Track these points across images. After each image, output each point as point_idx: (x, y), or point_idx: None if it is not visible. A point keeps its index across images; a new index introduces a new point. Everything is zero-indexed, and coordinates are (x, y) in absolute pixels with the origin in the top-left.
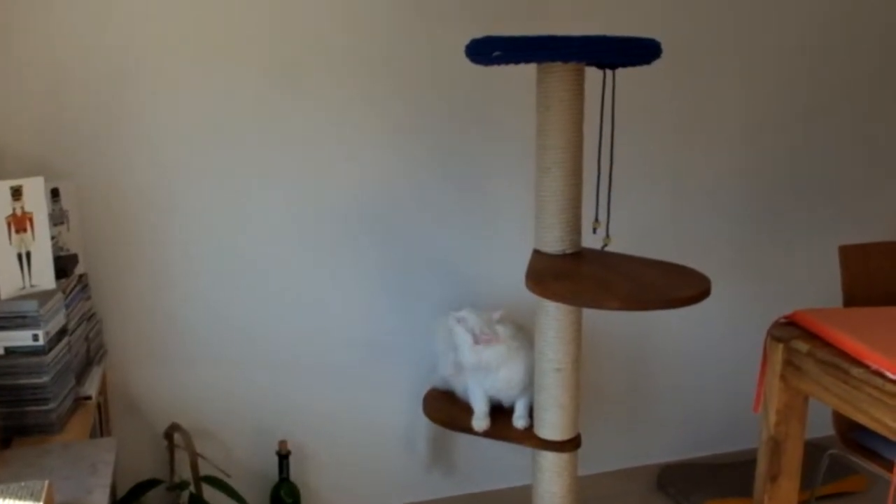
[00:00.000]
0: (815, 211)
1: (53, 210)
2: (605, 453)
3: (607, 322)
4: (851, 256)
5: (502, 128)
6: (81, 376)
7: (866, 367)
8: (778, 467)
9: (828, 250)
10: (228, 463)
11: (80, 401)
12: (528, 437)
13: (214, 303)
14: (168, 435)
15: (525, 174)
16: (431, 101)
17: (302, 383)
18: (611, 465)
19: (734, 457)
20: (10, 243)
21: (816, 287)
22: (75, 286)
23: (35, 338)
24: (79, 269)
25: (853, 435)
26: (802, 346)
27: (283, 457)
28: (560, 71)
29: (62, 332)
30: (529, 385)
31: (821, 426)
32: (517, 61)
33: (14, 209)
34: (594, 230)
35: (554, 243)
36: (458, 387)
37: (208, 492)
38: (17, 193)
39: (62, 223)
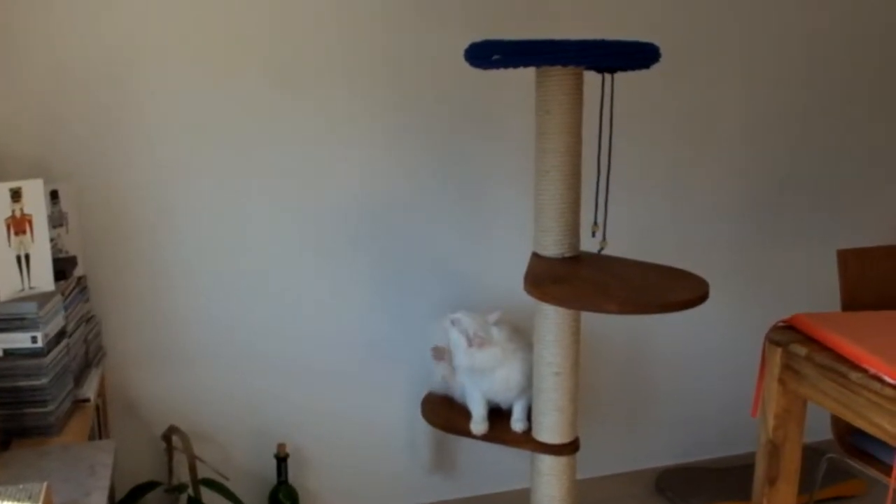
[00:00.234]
0: (813, 214)
1: (52, 212)
2: (603, 457)
3: (606, 325)
4: (850, 260)
5: (501, 131)
6: (80, 378)
7: (865, 371)
8: (776, 471)
9: (826, 254)
10: (227, 466)
11: (79, 403)
12: (527, 440)
13: (213, 305)
14: (166, 437)
15: (524, 177)
16: (431, 103)
17: (301, 386)
18: (609, 468)
19: (733, 460)
20: (10, 245)
21: (815, 291)
22: (74, 288)
23: (34, 340)
24: (78, 272)
25: (851, 439)
26: (801, 349)
27: (282, 460)
28: (559, 75)
29: (61, 334)
30: (528, 388)
31: (819, 430)
32: (516, 65)
33: (13, 211)
34: (593, 234)
35: (552, 246)
36: (455, 390)
37: (206, 494)
38: (16, 195)
39: (61, 225)
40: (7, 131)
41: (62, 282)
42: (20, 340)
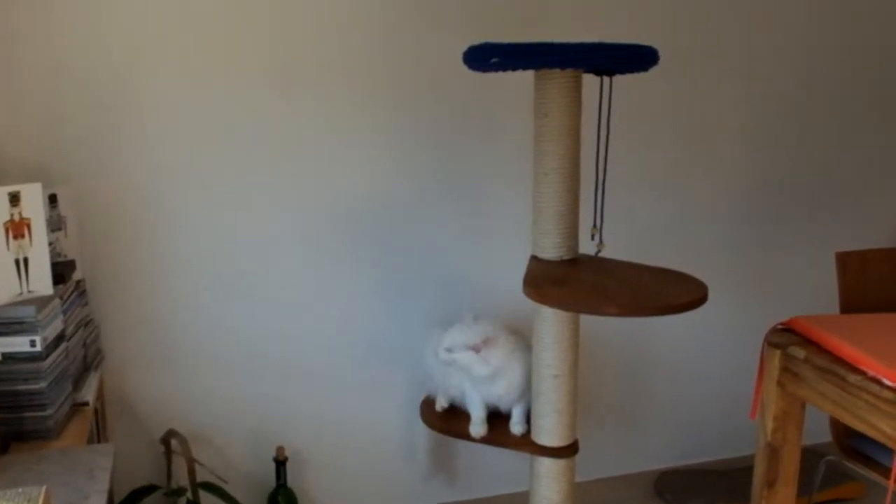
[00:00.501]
0: (812, 217)
1: (51, 216)
2: (602, 459)
3: (605, 328)
4: (849, 263)
5: (500, 133)
6: (79, 382)
7: (863, 373)
8: (775, 474)
9: (825, 256)
10: (225, 469)
11: (78, 406)
12: (526, 443)
13: (212, 309)
14: (165, 441)
15: (523, 180)
16: (430, 105)
17: (299, 389)
18: (608, 471)
19: (731, 463)
20: (8, 249)
21: (813, 293)
22: (73, 292)
23: (32, 343)
24: (76, 275)
25: (850, 441)
26: (800, 352)
27: (281, 463)
28: (557, 77)
29: (60, 338)
30: (526, 390)
31: (818, 433)
32: (515, 68)
33: (12, 215)
34: (592, 236)
35: (551, 249)
36: (455, 393)
37: (205, 498)
38: (14, 199)
39: (60, 229)
40: (6, 135)
41: (61, 285)
42: (19, 344)
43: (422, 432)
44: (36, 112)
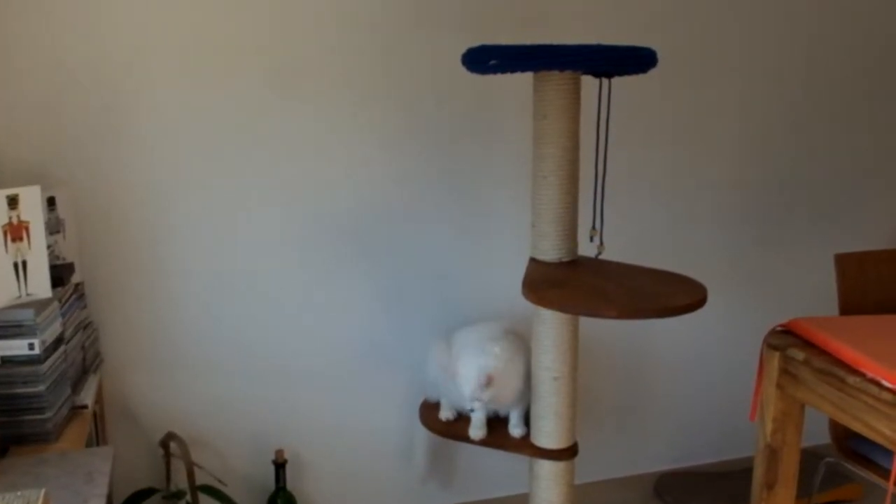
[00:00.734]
0: (811, 219)
1: (50, 219)
2: (601, 462)
3: (604, 330)
4: (847, 265)
5: (499, 135)
6: (78, 385)
7: (862, 375)
8: (774, 475)
9: (824, 258)
10: (225, 472)
11: (77, 409)
12: (525, 445)
13: (211, 311)
14: (164, 444)
15: (522, 182)
16: (429, 108)
17: (298, 392)
18: (607, 473)
19: (731, 465)
20: (7, 252)
21: (812, 295)
22: (71, 295)
23: (31, 346)
24: (75, 278)
25: (849, 443)
26: (799, 354)
27: (280, 465)
28: (556, 79)
29: (58, 341)
30: (525, 393)
31: (817, 434)
32: (513, 70)
33: (10, 218)
34: (591, 238)
35: (550, 251)
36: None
37: (205, 501)
38: (13, 202)
39: (58, 232)
40: (4, 137)
41: (59, 288)
42: (17, 347)
43: (421, 435)
44: (34, 114)
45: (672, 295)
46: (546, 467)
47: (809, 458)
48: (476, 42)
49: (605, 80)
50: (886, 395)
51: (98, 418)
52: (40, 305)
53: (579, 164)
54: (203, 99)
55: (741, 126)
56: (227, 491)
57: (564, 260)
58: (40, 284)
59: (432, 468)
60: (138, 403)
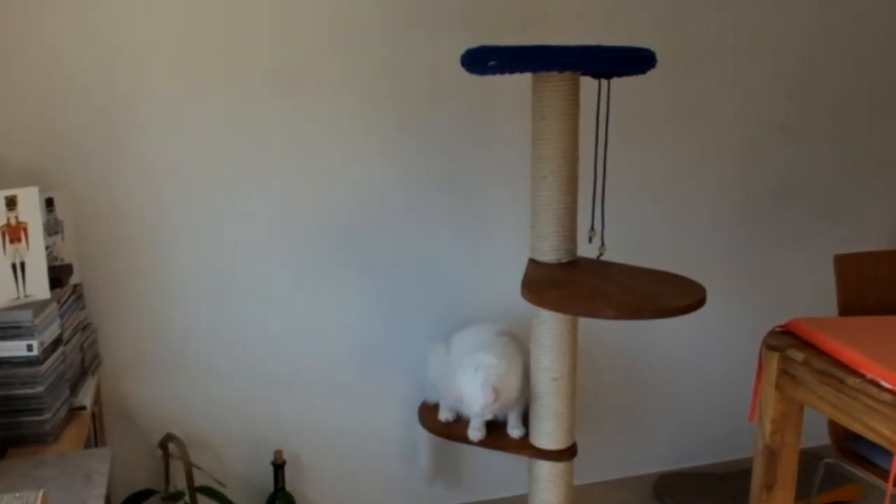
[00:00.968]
0: (810, 220)
1: (48, 220)
2: (600, 463)
3: (603, 331)
4: (847, 265)
5: (498, 136)
6: (76, 386)
7: (862, 376)
8: (773, 476)
9: (823, 259)
10: (223, 473)
11: (75, 411)
12: (524, 446)
13: (209, 313)
14: (163, 445)
15: (521, 183)
16: (428, 109)
17: (297, 392)
18: (606, 474)
19: (730, 466)
20: (5, 253)
21: (812, 296)
22: (70, 296)
23: (29, 348)
24: (73, 279)
25: (848, 444)
26: (798, 355)
27: (279, 467)
28: (555, 80)
29: (57, 342)
30: (524, 394)
31: (816, 435)
32: (512, 71)
33: (8, 219)
34: (590, 239)
35: (549, 252)
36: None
37: (203, 502)
38: (11, 203)
39: (57, 233)
40: (2, 138)
41: (58, 290)
42: (16, 349)
43: (420, 436)
44: (32, 116)
45: (671, 295)
46: (545, 468)
47: (809, 459)
48: (476, 43)
49: (604, 81)
50: (886, 396)
51: (97, 419)
52: (39, 307)
53: (578, 164)
54: (202, 99)
55: (740, 126)
56: (226, 492)
57: (564, 261)
58: (39, 286)
59: (431, 469)
60: (137, 405)
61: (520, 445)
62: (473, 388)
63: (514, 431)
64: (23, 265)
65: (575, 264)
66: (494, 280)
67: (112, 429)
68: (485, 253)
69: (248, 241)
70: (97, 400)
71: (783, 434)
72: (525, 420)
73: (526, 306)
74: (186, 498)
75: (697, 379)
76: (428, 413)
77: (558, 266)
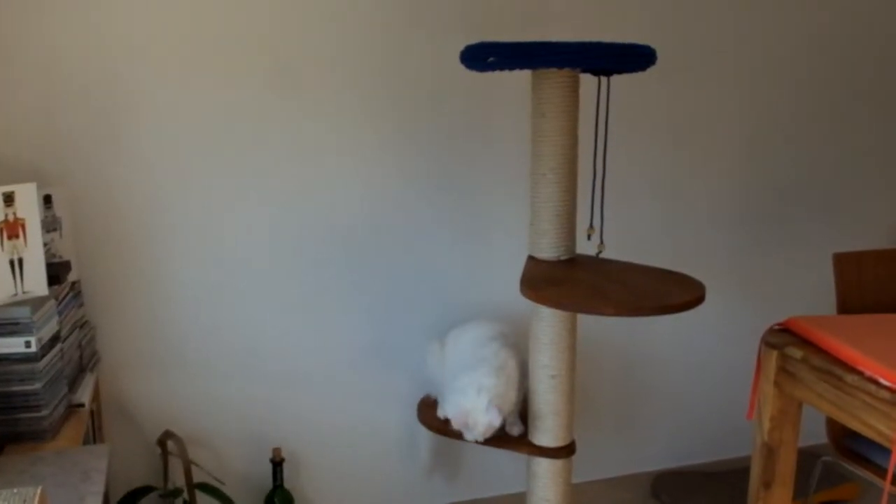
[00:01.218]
0: (809, 218)
1: (46, 217)
2: (598, 460)
3: (601, 329)
4: (845, 264)
5: (497, 134)
6: (74, 383)
7: (860, 373)
8: (772, 474)
9: (822, 257)
10: (222, 470)
11: (73, 408)
12: (523, 443)
13: (208, 310)
14: (161, 442)
15: (521, 180)
16: (428, 108)
17: (296, 390)
18: (605, 472)
19: (728, 464)
20: (3, 249)
21: (810, 294)
22: (68, 293)
23: (27, 344)
24: (71, 276)
25: (846, 441)
26: (796, 352)
27: (277, 464)
28: (555, 77)
29: (55, 339)
30: (520, 396)
31: (815, 434)
32: (512, 67)
33: (6, 215)
34: (588, 237)
35: (549, 249)
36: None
37: (202, 499)
38: (9, 199)
39: (55, 230)
40: (1, 137)
41: (56, 286)
42: (14, 345)
43: (419, 433)
44: (31, 112)
45: (670, 293)
46: (543, 465)
47: (807, 458)
48: (475, 39)
49: (603, 79)
50: (884, 394)
51: (95, 416)
52: (37, 303)
53: (578, 162)
54: (201, 99)
55: (740, 124)
56: (225, 489)
57: (563, 258)
58: (37, 282)
59: (430, 466)
60: (135, 402)
61: (518, 442)
62: (478, 413)
63: (513, 429)
64: (21, 261)
65: (574, 261)
66: (494, 277)
67: (110, 426)
68: (484, 250)
69: (247, 239)
70: (95, 397)
71: (781, 432)
72: (523, 417)
73: (525, 304)
74: (185, 495)
75: (695, 378)
76: (427, 410)
77: (557, 263)
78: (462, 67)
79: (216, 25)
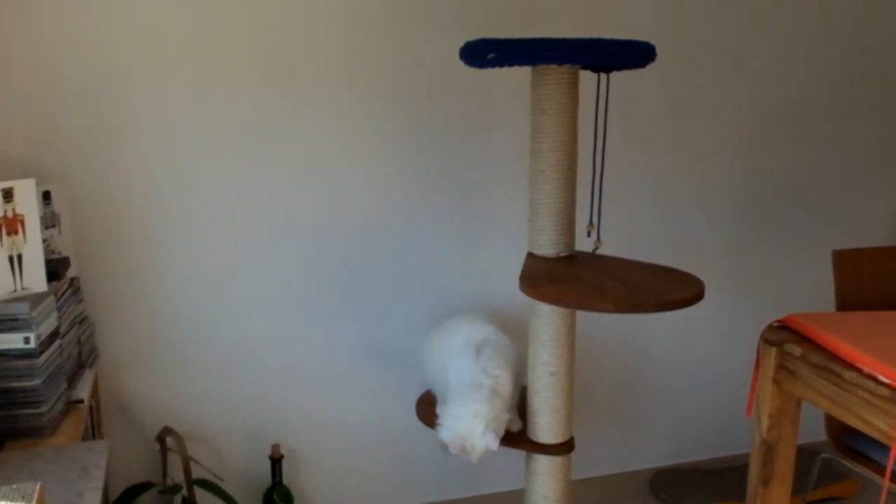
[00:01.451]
0: (808, 215)
1: (45, 213)
2: (597, 458)
3: (601, 326)
4: (844, 261)
5: (497, 131)
6: (73, 379)
7: (859, 370)
8: (770, 471)
9: (821, 254)
10: (221, 466)
11: (72, 404)
12: (522, 440)
13: (207, 306)
14: (160, 438)
15: (520, 179)
16: (427, 105)
17: (295, 387)
18: (604, 469)
19: (727, 461)
20: (2, 245)
21: (809, 291)
22: (67, 289)
23: (26, 340)
24: (70, 273)
25: (845, 438)
26: (795, 349)
27: (276, 460)
28: (554, 74)
29: (54, 335)
30: (515, 397)
31: (813, 431)
32: (511, 64)
33: (5, 211)
34: (588, 233)
35: (548, 246)
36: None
37: (201, 495)
38: (7, 195)
39: (54, 226)
40: (1, 134)
41: (55, 283)
42: (13, 341)
43: (418, 429)
44: (30, 109)
45: (669, 290)
46: (542, 462)
47: (805, 455)
48: (474, 36)
49: (603, 75)
50: (882, 391)
51: (94, 413)
52: (36, 299)
53: (577, 158)
54: (201, 97)
55: (740, 122)
56: (224, 486)
57: (562, 255)
58: (36, 278)
59: (429, 463)
60: (134, 398)
61: (517, 439)
62: (475, 438)
63: (512, 425)
64: (20, 257)
65: (573, 258)
66: (493, 276)
67: (109, 422)
68: (484, 247)
69: (246, 237)
70: (95, 393)
71: (780, 429)
72: (522, 414)
73: (524, 302)
74: (184, 491)
75: (695, 374)
76: (425, 407)
77: (557, 260)
78: (462, 67)
79: (216, 25)
